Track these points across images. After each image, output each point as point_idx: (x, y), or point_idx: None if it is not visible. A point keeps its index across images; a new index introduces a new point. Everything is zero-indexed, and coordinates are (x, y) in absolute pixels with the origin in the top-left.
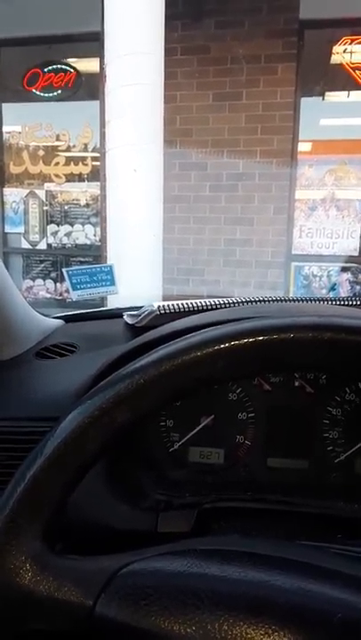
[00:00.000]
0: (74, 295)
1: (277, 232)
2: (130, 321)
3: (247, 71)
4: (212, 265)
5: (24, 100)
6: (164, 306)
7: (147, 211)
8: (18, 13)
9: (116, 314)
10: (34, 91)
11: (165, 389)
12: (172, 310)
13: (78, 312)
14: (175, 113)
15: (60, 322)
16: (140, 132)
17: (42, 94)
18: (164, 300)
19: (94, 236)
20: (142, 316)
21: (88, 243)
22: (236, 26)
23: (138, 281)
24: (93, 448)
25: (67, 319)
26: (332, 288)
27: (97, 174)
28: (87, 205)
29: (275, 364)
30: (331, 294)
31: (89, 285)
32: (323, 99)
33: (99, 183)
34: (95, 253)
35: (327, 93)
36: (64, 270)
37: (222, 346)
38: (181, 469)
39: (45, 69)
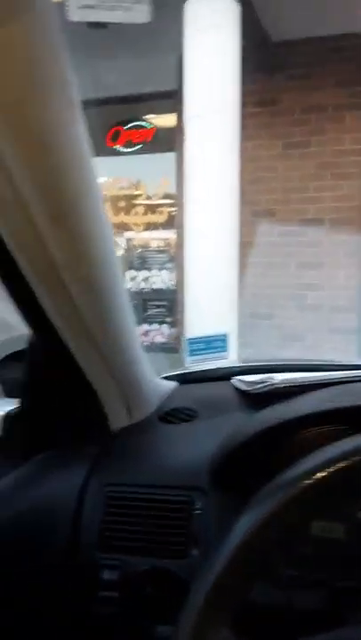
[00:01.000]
0: (188, 361)
1: (349, 276)
2: (243, 387)
3: (315, 120)
4: (283, 309)
5: (106, 154)
6: (285, 380)
7: (222, 257)
8: (96, 76)
9: (224, 375)
10: (116, 147)
11: (325, 495)
12: (292, 385)
13: (186, 372)
14: (247, 162)
15: (174, 383)
16: (216, 182)
17: (123, 149)
18: (241, 358)
19: (170, 280)
20: (260, 386)
21: (163, 287)
22: (306, 77)
23: (212, 324)
24: (268, 548)
25: (177, 379)
26: None
27: (172, 222)
28: (163, 252)
29: None
30: None
31: (203, 352)
32: None
33: (175, 230)
34: (170, 297)
35: None
36: (183, 339)
37: None
38: (304, 545)
39: (126, 127)
